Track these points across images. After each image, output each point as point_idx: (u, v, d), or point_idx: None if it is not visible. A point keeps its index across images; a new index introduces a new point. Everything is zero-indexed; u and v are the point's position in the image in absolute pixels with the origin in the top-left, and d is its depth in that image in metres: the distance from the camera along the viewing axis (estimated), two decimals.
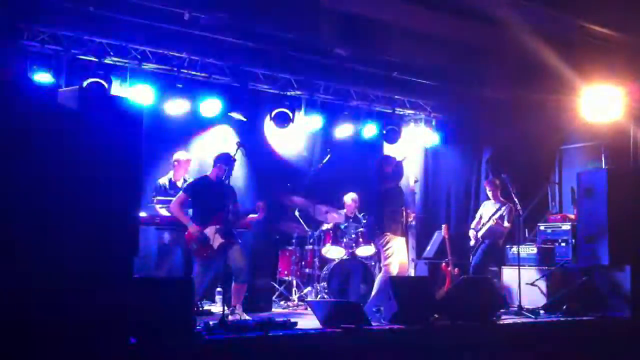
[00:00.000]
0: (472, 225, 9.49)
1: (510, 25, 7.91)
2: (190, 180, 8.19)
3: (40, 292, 4.54)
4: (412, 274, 10.44)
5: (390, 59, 9.46)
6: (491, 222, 9.01)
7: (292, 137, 10.36)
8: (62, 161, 4.75)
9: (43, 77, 7.74)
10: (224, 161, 7.38)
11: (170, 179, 8.48)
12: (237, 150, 7.12)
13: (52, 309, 4.57)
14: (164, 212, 8.14)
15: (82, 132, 4.92)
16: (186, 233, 7.30)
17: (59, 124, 4.81)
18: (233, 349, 5.41)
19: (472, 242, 9.31)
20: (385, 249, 7.76)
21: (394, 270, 7.66)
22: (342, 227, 9.36)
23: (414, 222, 10.04)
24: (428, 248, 10.57)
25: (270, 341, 5.62)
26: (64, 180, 4.74)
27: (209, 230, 7.24)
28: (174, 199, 7.62)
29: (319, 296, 8.91)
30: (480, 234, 9.00)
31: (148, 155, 8.72)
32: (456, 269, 8.60)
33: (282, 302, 9.08)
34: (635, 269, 7.98)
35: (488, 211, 9.43)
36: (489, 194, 9.53)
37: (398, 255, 7.77)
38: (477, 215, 9.63)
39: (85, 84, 7.91)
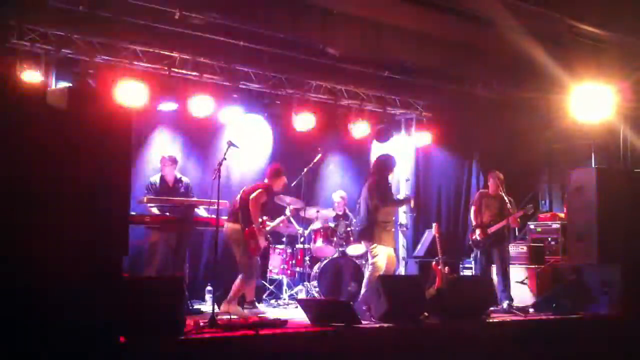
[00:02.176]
0: (486, 221, 8.69)
1: (500, 25, 7.93)
2: (185, 178, 8.63)
3: (29, 291, 4.52)
4: (403, 273, 10.48)
5: (382, 58, 9.45)
6: (509, 223, 8.47)
7: (283, 136, 10.34)
8: (50, 161, 4.74)
9: (32, 77, 7.69)
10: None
11: (162, 177, 8.48)
12: (227, 149, 7.12)
13: (42, 309, 4.56)
14: (155, 210, 8.13)
15: (71, 131, 4.91)
16: (247, 229, 7.54)
17: (47, 123, 4.81)
18: (223, 348, 5.41)
19: (478, 237, 8.70)
20: (372, 247, 7.76)
21: (382, 266, 7.63)
22: (332, 225, 9.37)
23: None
24: (419, 247, 10.57)
25: (261, 340, 5.63)
26: (52, 180, 4.73)
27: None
28: (191, 197, 8.21)
29: (310, 295, 8.93)
30: (494, 229, 8.60)
31: (137, 154, 8.82)
32: (447, 268, 8.59)
33: (272, 301, 9.09)
34: (625, 267, 8.03)
35: (497, 205, 8.68)
36: (492, 186, 8.76)
37: (385, 250, 7.74)
38: (484, 210, 8.79)
39: (75, 83, 7.88)
